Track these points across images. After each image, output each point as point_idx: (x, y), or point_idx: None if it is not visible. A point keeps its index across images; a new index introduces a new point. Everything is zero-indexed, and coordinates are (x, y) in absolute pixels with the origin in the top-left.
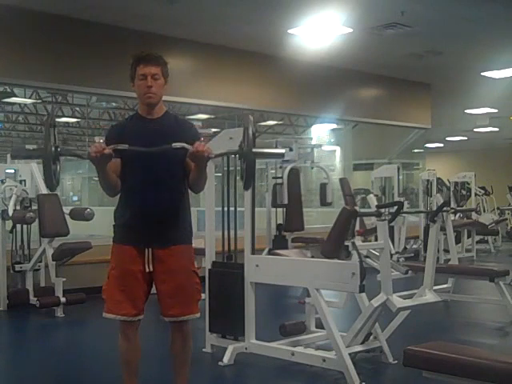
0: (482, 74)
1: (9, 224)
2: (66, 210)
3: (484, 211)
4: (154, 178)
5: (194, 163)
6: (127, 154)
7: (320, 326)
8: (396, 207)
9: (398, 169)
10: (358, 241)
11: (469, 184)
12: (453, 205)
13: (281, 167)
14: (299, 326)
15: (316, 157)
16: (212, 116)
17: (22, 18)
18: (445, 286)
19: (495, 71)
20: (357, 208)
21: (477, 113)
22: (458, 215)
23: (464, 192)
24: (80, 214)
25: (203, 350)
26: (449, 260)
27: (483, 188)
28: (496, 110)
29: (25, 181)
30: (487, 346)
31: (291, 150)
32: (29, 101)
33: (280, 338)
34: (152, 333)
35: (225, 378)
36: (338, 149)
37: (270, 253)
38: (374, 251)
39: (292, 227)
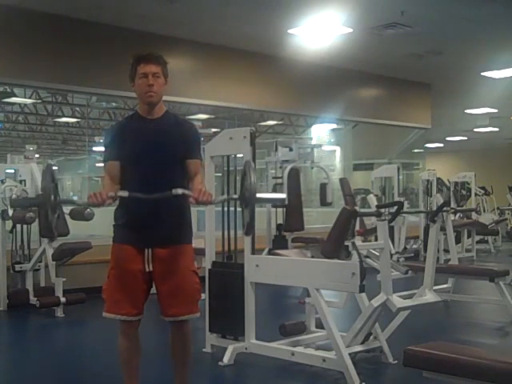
0: (482, 74)
1: (9, 224)
2: (66, 210)
3: (484, 211)
4: (153, 179)
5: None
6: (126, 157)
7: (320, 326)
8: (396, 207)
9: (398, 169)
10: (358, 241)
11: (469, 184)
12: (453, 205)
13: (281, 167)
14: (299, 326)
15: (316, 157)
16: (212, 116)
17: (22, 18)
18: (445, 286)
19: (495, 71)
20: (357, 208)
21: (477, 113)
22: (457, 215)
23: (464, 192)
24: (80, 214)
25: (203, 349)
26: (449, 260)
27: (483, 188)
28: (496, 110)
29: (25, 181)
30: (487, 346)
31: (291, 149)
32: (29, 101)
33: (280, 337)
34: (152, 333)
35: (225, 378)
36: (338, 149)
37: (269, 253)
38: (373, 251)
39: (292, 227)
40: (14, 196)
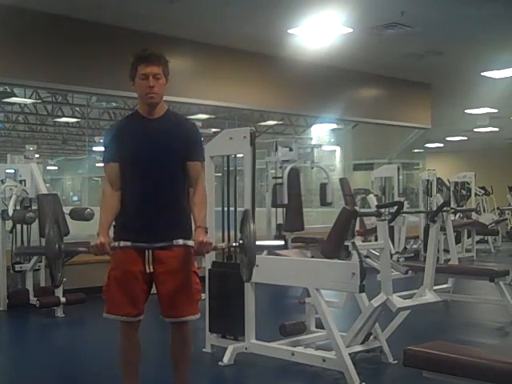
0: (482, 74)
1: (9, 224)
2: (66, 209)
3: (484, 211)
4: (153, 180)
5: None
6: (126, 158)
7: (320, 326)
8: (396, 207)
9: (398, 169)
10: (358, 241)
11: (469, 184)
12: (453, 205)
13: (281, 167)
14: (299, 326)
15: (316, 157)
16: (212, 116)
17: (22, 18)
18: (445, 286)
19: (495, 71)
20: (357, 208)
21: (477, 113)
22: (457, 215)
23: (464, 192)
24: (80, 214)
25: (203, 349)
26: (449, 260)
27: (483, 188)
28: (496, 110)
29: (25, 181)
30: (487, 345)
31: (291, 149)
32: (29, 101)
33: (280, 337)
34: (152, 333)
35: (225, 378)
36: (338, 149)
37: (269, 253)
38: (373, 251)
39: (292, 227)
40: (13, 196)
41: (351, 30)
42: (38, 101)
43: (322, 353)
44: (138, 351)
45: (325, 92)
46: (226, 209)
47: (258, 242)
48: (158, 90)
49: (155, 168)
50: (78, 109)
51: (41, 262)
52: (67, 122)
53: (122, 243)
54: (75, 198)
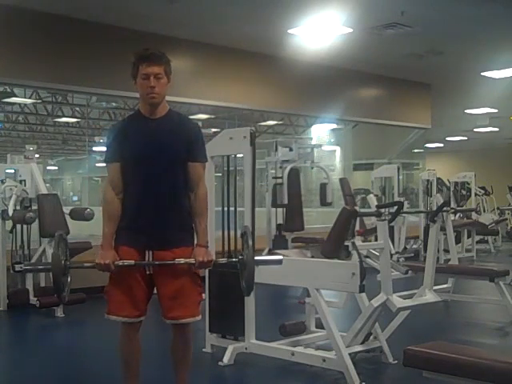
0: (482, 74)
1: (9, 224)
2: (66, 210)
3: (484, 211)
4: (154, 180)
5: None
6: (127, 158)
7: (320, 326)
8: (396, 207)
9: (398, 169)
10: (358, 241)
11: (469, 184)
12: (453, 205)
13: (281, 167)
14: (299, 326)
15: (316, 157)
16: (212, 116)
17: (22, 18)
18: (445, 286)
19: (495, 71)
20: (357, 208)
21: (477, 113)
22: (457, 215)
23: (464, 192)
24: (80, 214)
25: (203, 349)
26: (449, 260)
27: (483, 188)
28: (496, 110)
29: (25, 181)
30: (487, 345)
31: (291, 149)
32: (29, 101)
33: (280, 337)
34: (153, 333)
35: (225, 378)
36: (338, 149)
37: (269, 253)
38: (373, 251)
39: (292, 227)
40: (13, 196)
41: (351, 30)
42: (38, 101)
43: (322, 353)
44: (138, 352)
45: (325, 92)
46: (226, 209)
47: (256, 258)
48: (159, 90)
49: (156, 168)
50: (78, 109)
51: (41, 261)
52: (67, 122)
53: (127, 262)
54: (75, 198)
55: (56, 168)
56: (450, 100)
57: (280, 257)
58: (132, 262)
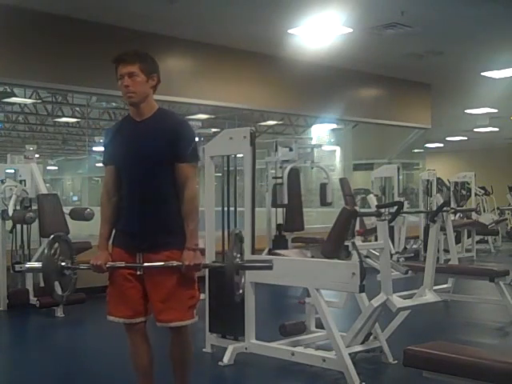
0: (482, 74)
1: (9, 224)
2: (66, 210)
3: (484, 211)
4: (139, 183)
5: None
6: (117, 161)
7: (320, 326)
8: (396, 207)
9: (398, 169)
10: (358, 241)
11: (469, 184)
12: (453, 205)
13: (281, 167)
14: (299, 326)
15: (316, 157)
16: (212, 116)
17: (22, 18)
18: (445, 286)
19: (495, 71)
20: (357, 208)
21: (477, 113)
22: (457, 215)
23: (464, 192)
24: (80, 214)
25: (203, 350)
26: (449, 260)
27: (483, 188)
28: (496, 110)
29: (25, 181)
30: (487, 345)
31: (291, 149)
32: (29, 101)
33: (280, 338)
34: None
35: (225, 378)
36: (338, 149)
37: (269, 253)
38: (373, 251)
39: (292, 227)
40: (13, 196)
41: (351, 30)
42: (38, 101)
43: (322, 353)
44: (145, 355)
45: (325, 92)
46: (226, 209)
47: (243, 263)
48: (134, 89)
49: (140, 171)
50: (78, 109)
51: (41, 261)
52: (67, 122)
53: (118, 264)
54: (75, 198)
55: (56, 168)
56: (449, 100)
57: (270, 262)
58: (122, 263)
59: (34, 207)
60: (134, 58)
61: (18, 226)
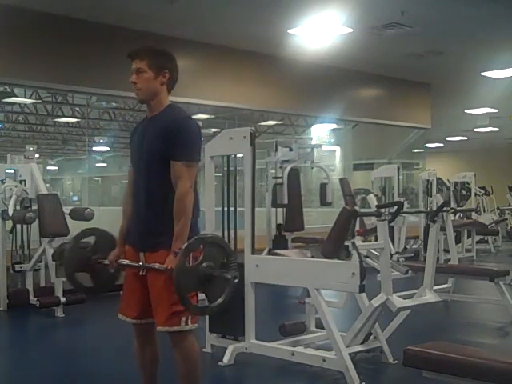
0: (482, 74)
1: (9, 224)
2: (66, 210)
3: (484, 211)
4: (141, 181)
5: None
6: (131, 162)
7: (320, 326)
8: (396, 207)
9: (398, 169)
10: (358, 241)
11: (469, 184)
12: (453, 205)
13: (281, 167)
14: (299, 326)
15: (316, 157)
16: (212, 116)
17: (22, 18)
18: (445, 286)
19: (495, 71)
20: (357, 208)
21: (477, 113)
22: (458, 215)
23: (464, 192)
24: (80, 214)
25: (203, 350)
26: (449, 260)
27: (483, 188)
28: (496, 110)
29: (25, 181)
30: (487, 345)
31: (291, 149)
32: (29, 101)
33: (280, 337)
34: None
35: (225, 378)
36: (338, 149)
37: (269, 253)
38: (373, 251)
39: (292, 227)
40: (13, 196)
41: (351, 30)
42: (38, 101)
43: (322, 353)
44: (148, 357)
45: (325, 92)
46: (226, 209)
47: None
48: (141, 86)
49: (142, 169)
50: (78, 109)
51: (41, 261)
52: (67, 122)
53: (124, 261)
54: (75, 198)
55: (56, 168)
56: (450, 100)
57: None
58: (126, 261)
59: (34, 207)
60: (143, 54)
61: (18, 226)
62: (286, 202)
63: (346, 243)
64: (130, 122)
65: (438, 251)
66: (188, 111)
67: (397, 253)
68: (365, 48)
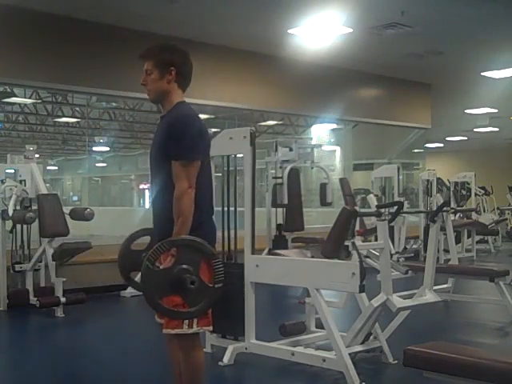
0: (482, 73)
1: (9, 224)
2: (66, 210)
3: (484, 211)
4: (151, 179)
5: None
6: None
7: (320, 326)
8: (396, 207)
9: (398, 169)
10: (358, 241)
11: (469, 184)
12: (453, 205)
13: (281, 167)
14: (299, 326)
15: (316, 157)
16: (212, 116)
17: (22, 18)
18: (445, 286)
19: (495, 71)
20: (357, 208)
21: (477, 113)
22: (457, 215)
23: (464, 192)
24: (80, 214)
25: (203, 350)
26: (449, 260)
27: (483, 188)
28: (496, 110)
29: (25, 181)
30: (487, 345)
31: (291, 149)
32: (29, 101)
33: (280, 338)
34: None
35: (225, 378)
36: (338, 149)
37: (269, 253)
38: (373, 251)
39: (292, 227)
40: (13, 196)
41: (351, 30)
42: (38, 101)
43: (322, 353)
44: (173, 361)
45: (325, 92)
46: (226, 209)
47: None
48: (149, 87)
49: (152, 169)
50: (78, 109)
51: (41, 261)
52: (67, 122)
53: None
54: (75, 198)
55: (56, 168)
56: (450, 100)
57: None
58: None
59: (34, 207)
60: (149, 54)
61: (18, 226)
62: (285, 201)
63: (346, 243)
64: (129, 122)
65: (438, 251)
66: None
67: (397, 253)
68: (365, 48)
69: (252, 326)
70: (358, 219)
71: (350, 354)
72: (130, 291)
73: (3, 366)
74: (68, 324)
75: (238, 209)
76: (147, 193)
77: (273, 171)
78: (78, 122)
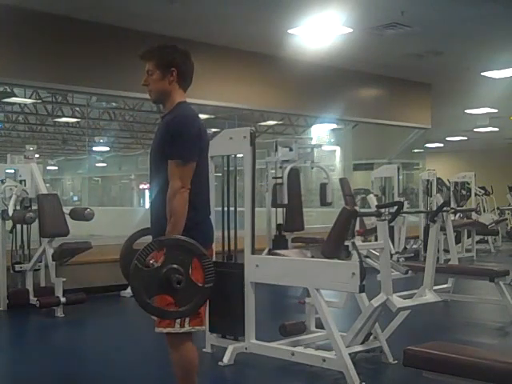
0: (482, 74)
1: (9, 224)
2: (66, 210)
3: (484, 211)
4: (150, 181)
5: None
6: None
7: (320, 326)
8: (396, 207)
9: (398, 169)
10: (358, 241)
11: (469, 184)
12: (453, 205)
13: (281, 167)
14: (299, 326)
15: (316, 157)
16: (212, 116)
17: (22, 18)
18: (445, 286)
19: (495, 71)
20: (357, 208)
21: (477, 113)
22: (458, 215)
23: (464, 192)
24: (80, 214)
25: (203, 350)
26: (449, 260)
27: (483, 188)
28: (496, 110)
29: (25, 181)
30: (487, 346)
31: (291, 149)
32: (29, 101)
33: (280, 337)
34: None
35: (225, 378)
36: (338, 149)
37: (269, 253)
38: (373, 251)
39: (292, 227)
40: (13, 196)
41: (351, 30)
42: (38, 101)
43: (322, 353)
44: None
45: (325, 92)
46: (226, 209)
47: None
48: (151, 87)
49: (151, 168)
50: (78, 109)
51: (41, 261)
52: (67, 122)
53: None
54: (75, 198)
55: (56, 168)
56: (450, 100)
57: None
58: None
59: (34, 207)
60: (150, 55)
61: (18, 226)
62: (285, 202)
63: (346, 243)
64: (129, 122)
65: (438, 251)
66: None
67: (397, 253)
68: (365, 48)
69: (252, 326)
70: (358, 219)
71: (350, 354)
72: (129, 291)
73: (3, 365)
74: (68, 324)
75: (238, 209)
76: (147, 193)
77: (273, 171)
78: (77, 122)
